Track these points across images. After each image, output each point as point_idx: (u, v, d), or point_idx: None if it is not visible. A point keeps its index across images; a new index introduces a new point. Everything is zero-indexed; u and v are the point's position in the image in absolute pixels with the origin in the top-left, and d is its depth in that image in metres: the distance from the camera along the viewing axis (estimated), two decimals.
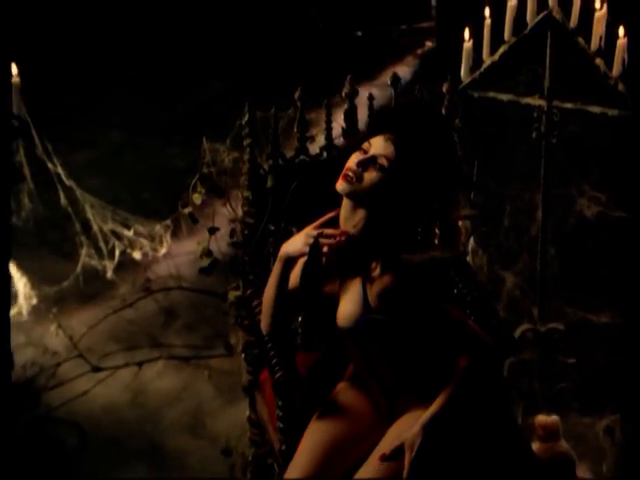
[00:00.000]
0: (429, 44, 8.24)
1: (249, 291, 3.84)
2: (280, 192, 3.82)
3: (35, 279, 5.50)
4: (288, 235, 3.82)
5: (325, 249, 3.29)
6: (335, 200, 3.34)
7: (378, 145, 3.21)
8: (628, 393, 4.68)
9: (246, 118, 3.73)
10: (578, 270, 5.40)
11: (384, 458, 3.31)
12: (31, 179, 5.56)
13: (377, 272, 3.25)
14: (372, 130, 3.30)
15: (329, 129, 3.83)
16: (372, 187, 3.19)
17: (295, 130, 3.81)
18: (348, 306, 3.31)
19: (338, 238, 3.29)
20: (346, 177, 3.19)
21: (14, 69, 4.40)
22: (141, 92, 7.42)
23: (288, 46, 7.74)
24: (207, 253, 3.94)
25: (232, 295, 3.94)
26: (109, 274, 5.54)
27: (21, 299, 5.46)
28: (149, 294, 5.54)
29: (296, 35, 7.93)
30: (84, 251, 5.53)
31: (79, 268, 5.52)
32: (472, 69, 4.65)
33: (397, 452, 3.30)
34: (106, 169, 6.56)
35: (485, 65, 4.64)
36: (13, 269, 5.32)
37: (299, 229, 3.72)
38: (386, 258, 3.23)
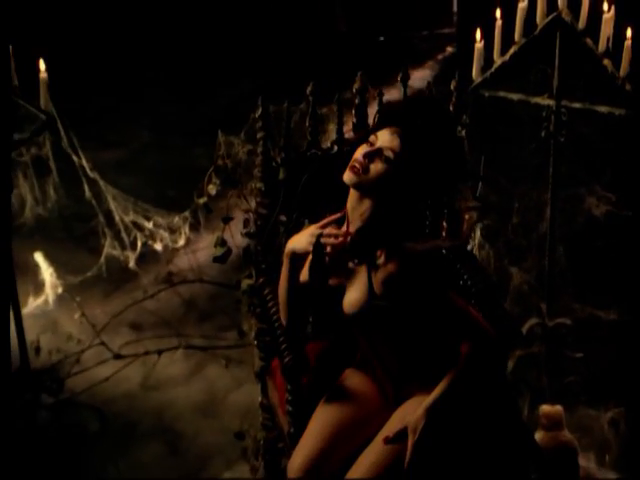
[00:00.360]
0: (450, 49, 8.29)
1: (261, 280, 3.86)
2: (292, 184, 3.84)
3: (60, 269, 5.53)
4: (299, 226, 3.87)
5: (328, 248, 3.35)
6: (345, 192, 3.38)
7: (384, 138, 3.24)
8: (633, 387, 4.70)
9: (259, 112, 3.75)
10: (587, 268, 5.38)
11: (388, 441, 3.36)
12: (57, 172, 5.62)
13: (382, 260, 3.29)
14: (379, 123, 3.33)
15: (340, 124, 3.84)
16: (377, 178, 3.23)
17: (307, 124, 3.83)
18: (354, 294, 3.34)
19: (340, 238, 3.35)
20: (352, 168, 3.23)
21: (42, 65, 4.48)
22: (171, 93, 7.49)
23: (311, 49, 7.78)
24: (221, 242, 3.96)
25: (245, 284, 3.96)
26: (131, 264, 5.58)
27: (47, 288, 5.49)
28: (170, 286, 5.59)
29: (320, 39, 7.97)
30: (107, 242, 5.57)
31: (102, 259, 5.56)
32: (483, 69, 4.66)
33: (400, 435, 3.35)
34: (133, 167, 6.64)
35: (496, 65, 4.64)
36: (40, 259, 5.43)
37: (310, 221, 3.79)
38: (391, 246, 3.28)
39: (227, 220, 3.94)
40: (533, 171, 5.17)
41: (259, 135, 3.79)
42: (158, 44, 7.62)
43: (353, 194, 3.31)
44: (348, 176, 3.25)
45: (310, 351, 3.72)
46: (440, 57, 8.21)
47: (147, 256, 5.69)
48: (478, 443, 3.44)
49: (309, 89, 3.78)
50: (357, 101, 3.84)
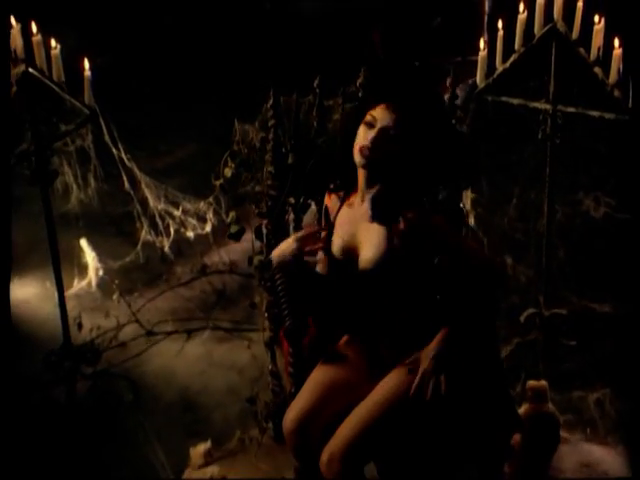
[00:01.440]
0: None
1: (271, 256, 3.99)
2: (300, 169, 3.95)
3: (102, 254, 5.64)
4: (306, 207, 4.04)
5: (307, 256, 3.51)
6: (346, 176, 3.52)
7: (382, 116, 3.32)
8: (618, 372, 4.72)
9: (270, 102, 3.89)
10: (584, 264, 5.37)
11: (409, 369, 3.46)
12: (98, 162, 5.74)
13: (398, 217, 3.38)
14: (373, 100, 3.38)
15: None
16: (387, 156, 3.33)
17: (314, 114, 3.94)
18: (371, 250, 3.42)
19: (320, 244, 3.50)
20: (362, 151, 3.32)
21: (86, 64, 4.57)
22: (219, 107, 7.58)
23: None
24: (236, 221, 4.11)
25: (256, 259, 4.10)
26: (166, 249, 5.67)
27: (90, 272, 5.59)
28: (204, 276, 5.67)
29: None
30: (144, 229, 5.66)
31: (139, 246, 5.66)
32: (487, 75, 4.71)
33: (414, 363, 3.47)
34: (178, 174, 6.74)
35: (498, 72, 4.69)
36: (84, 245, 5.55)
37: (316, 202, 3.95)
38: (404, 206, 3.38)
39: (239, 202, 4.09)
40: (532, 171, 5.21)
41: (270, 123, 3.91)
42: (208, 62, 7.68)
43: (363, 175, 3.39)
44: (359, 158, 3.34)
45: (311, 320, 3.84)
46: (470, 82, 8.20)
47: (183, 249, 5.76)
48: (466, 404, 3.54)
49: (316, 82, 3.90)
50: (360, 94, 3.93)
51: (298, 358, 3.81)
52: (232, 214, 4.08)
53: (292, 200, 3.97)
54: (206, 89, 7.45)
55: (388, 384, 3.51)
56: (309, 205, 3.98)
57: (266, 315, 4.12)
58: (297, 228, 4.00)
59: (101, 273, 5.59)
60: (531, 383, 4.32)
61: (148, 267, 5.71)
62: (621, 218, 5.50)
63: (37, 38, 4.45)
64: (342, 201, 3.55)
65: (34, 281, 5.42)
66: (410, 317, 3.51)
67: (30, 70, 4.49)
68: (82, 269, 5.59)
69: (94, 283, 5.60)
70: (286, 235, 3.89)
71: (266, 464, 4.29)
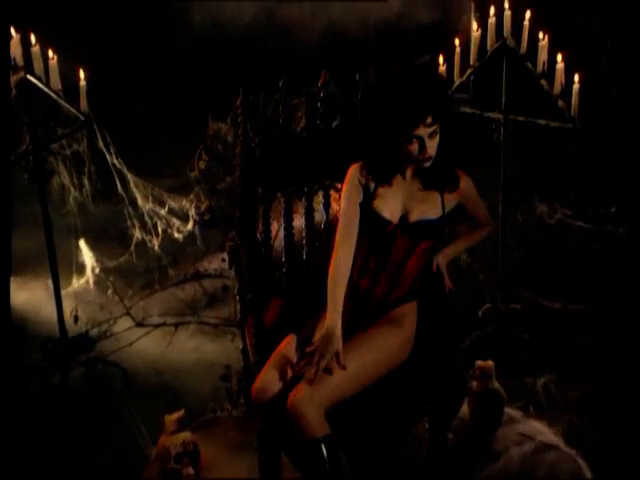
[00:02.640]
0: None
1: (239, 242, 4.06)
2: (267, 162, 4.07)
3: (99, 254, 5.75)
4: (273, 197, 4.18)
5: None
6: (311, 169, 3.81)
7: (434, 129, 3.55)
8: (563, 360, 4.85)
9: (240, 100, 4.00)
10: (538, 265, 5.53)
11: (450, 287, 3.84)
12: (93, 166, 5.84)
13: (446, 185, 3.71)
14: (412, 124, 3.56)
15: (309, 113, 4.06)
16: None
17: (280, 112, 4.05)
18: (423, 207, 3.69)
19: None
20: (428, 159, 3.58)
21: (82, 74, 4.69)
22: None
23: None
24: (208, 210, 4.24)
25: (228, 245, 4.23)
26: (156, 248, 5.75)
27: (88, 270, 5.70)
28: (195, 279, 5.74)
29: None
30: (136, 229, 5.76)
31: (132, 246, 5.75)
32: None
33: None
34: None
35: (455, 85, 4.78)
36: (82, 245, 5.67)
37: (282, 194, 4.10)
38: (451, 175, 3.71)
39: (214, 191, 4.22)
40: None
41: (240, 120, 4.01)
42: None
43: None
44: (426, 164, 3.60)
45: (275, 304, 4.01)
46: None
47: (177, 254, 5.85)
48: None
49: (281, 83, 4.01)
50: (322, 94, 4.06)
51: (259, 328, 3.89)
52: (205, 203, 4.20)
53: (260, 190, 4.07)
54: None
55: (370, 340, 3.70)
56: (275, 196, 4.09)
57: (237, 298, 4.16)
58: (265, 217, 4.12)
59: (97, 272, 5.69)
60: (479, 363, 4.44)
61: (142, 268, 5.79)
62: (573, 225, 5.61)
63: (36, 48, 4.58)
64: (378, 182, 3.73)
65: (36, 279, 5.51)
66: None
67: (29, 77, 4.61)
68: (80, 268, 5.70)
69: (91, 281, 5.69)
70: (255, 223, 4.06)
71: (236, 434, 4.40)
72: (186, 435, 4.22)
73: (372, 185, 3.72)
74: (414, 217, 3.69)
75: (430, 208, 3.70)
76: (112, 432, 4.55)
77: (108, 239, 5.98)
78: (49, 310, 5.20)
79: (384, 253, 3.72)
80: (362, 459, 3.90)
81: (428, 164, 3.60)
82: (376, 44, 7.77)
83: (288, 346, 3.75)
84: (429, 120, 3.52)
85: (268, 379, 3.67)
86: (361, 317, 3.79)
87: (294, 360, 3.68)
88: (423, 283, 3.83)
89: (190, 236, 5.72)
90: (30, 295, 5.56)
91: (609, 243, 5.64)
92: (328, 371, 3.55)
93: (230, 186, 4.12)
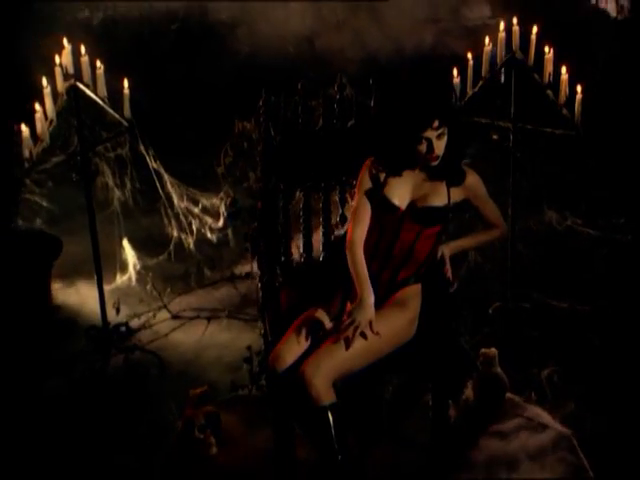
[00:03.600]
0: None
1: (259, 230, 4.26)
2: (287, 159, 4.25)
3: (140, 251, 5.93)
4: (293, 192, 4.35)
5: None
6: (328, 165, 4.01)
7: (442, 131, 3.75)
8: (566, 353, 4.95)
9: (262, 100, 4.19)
10: (546, 267, 5.61)
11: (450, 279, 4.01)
12: (133, 168, 6.03)
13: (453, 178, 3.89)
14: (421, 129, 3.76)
15: (326, 114, 4.24)
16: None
17: (299, 112, 4.21)
18: (430, 195, 3.88)
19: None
20: (435, 158, 3.78)
21: (126, 83, 4.91)
22: None
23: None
24: (233, 203, 4.43)
25: (250, 235, 4.42)
26: (191, 246, 5.92)
27: (130, 268, 5.88)
28: (230, 280, 5.91)
29: None
30: (174, 229, 5.93)
31: (172, 246, 5.93)
32: (460, 99, 4.91)
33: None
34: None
35: (468, 95, 4.90)
36: (125, 244, 5.86)
37: (301, 189, 4.28)
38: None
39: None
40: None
41: (262, 119, 4.21)
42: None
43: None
44: (434, 162, 3.80)
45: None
46: None
47: (214, 258, 6.02)
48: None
49: (300, 85, 4.19)
50: (338, 96, 4.23)
51: (275, 313, 4.10)
52: (231, 197, 4.39)
53: (281, 185, 4.24)
54: None
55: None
56: (294, 190, 4.26)
57: (259, 286, 4.30)
58: (285, 210, 4.29)
59: (139, 269, 5.86)
60: (483, 350, 4.57)
61: (180, 268, 5.96)
62: (583, 232, 5.71)
63: (84, 58, 4.83)
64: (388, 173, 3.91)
65: (89, 278, 5.59)
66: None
67: (78, 84, 4.85)
68: (123, 266, 5.88)
69: (133, 278, 5.86)
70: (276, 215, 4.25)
71: (255, 411, 4.56)
72: (209, 408, 4.39)
73: (382, 176, 3.90)
74: (421, 204, 3.87)
75: (436, 196, 3.88)
76: (147, 410, 4.73)
77: (148, 238, 6.14)
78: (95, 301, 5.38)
79: (393, 237, 3.90)
80: (367, 431, 4.08)
81: (435, 163, 3.79)
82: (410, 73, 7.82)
83: (304, 321, 3.91)
84: (436, 124, 3.71)
85: (284, 349, 3.85)
86: (380, 292, 3.94)
87: (309, 333, 3.86)
88: (428, 267, 3.98)
89: (225, 240, 5.87)
90: (81, 292, 5.78)
91: (616, 249, 5.71)
92: (347, 341, 3.74)
93: (253, 180, 4.24)
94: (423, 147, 3.76)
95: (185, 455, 4.32)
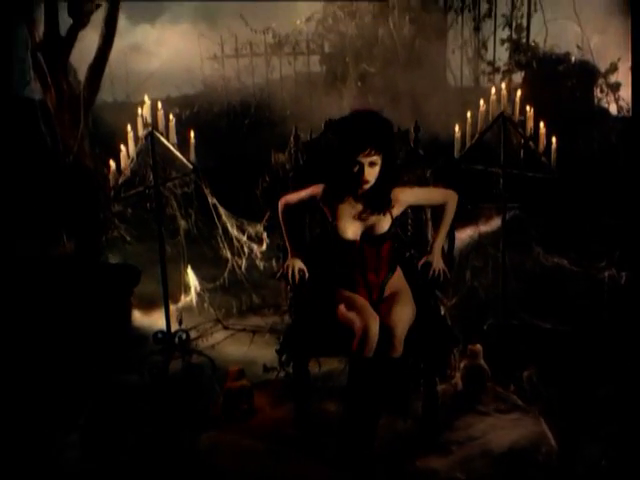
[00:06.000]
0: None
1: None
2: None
3: (200, 276, 6.42)
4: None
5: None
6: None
7: (375, 159, 4.23)
8: (544, 358, 5.28)
9: (293, 134, 4.82)
10: (534, 293, 5.99)
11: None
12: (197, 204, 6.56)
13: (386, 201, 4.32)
14: (363, 149, 4.21)
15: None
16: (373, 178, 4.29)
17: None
18: (375, 224, 4.33)
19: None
20: (367, 183, 4.25)
21: (192, 134, 5.41)
22: None
23: None
24: (269, 218, 5.00)
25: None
26: (242, 269, 6.38)
27: (192, 290, 6.38)
28: (275, 309, 6.30)
29: None
30: (229, 256, 6.40)
31: (226, 273, 6.41)
32: (460, 149, 5.33)
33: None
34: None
35: (467, 147, 5.30)
36: (189, 270, 6.37)
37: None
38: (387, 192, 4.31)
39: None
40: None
41: (293, 150, 4.84)
42: None
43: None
44: (366, 187, 4.27)
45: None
46: None
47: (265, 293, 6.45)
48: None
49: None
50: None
51: (296, 295, 4.59)
52: (268, 214, 4.96)
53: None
54: None
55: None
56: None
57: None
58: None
59: (199, 290, 6.36)
60: (470, 346, 5.02)
61: (232, 291, 6.45)
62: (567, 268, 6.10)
63: (160, 112, 5.42)
64: (336, 201, 4.39)
65: (157, 301, 6.07)
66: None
67: (154, 132, 5.45)
68: (187, 288, 6.42)
69: (194, 299, 6.37)
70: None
71: (281, 389, 5.05)
72: (243, 382, 4.91)
73: (329, 211, 4.36)
74: (371, 232, 4.33)
75: (382, 223, 4.33)
76: (200, 398, 5.12)
77: (208, 262, 6.60)
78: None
79: (361, 258, 4.38)
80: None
81: (366, 186, 4.21)
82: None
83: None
84: (368, 151, 4.16)
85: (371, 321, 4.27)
86: (374, 295, 4.46)
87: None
88: (397, 260, 4.49)
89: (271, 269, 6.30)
90: (153, 315, 6.26)
91: (595, 283, 6.06)
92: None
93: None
94: (356, 169, 4.17)
95: (226, 418, 4.81)
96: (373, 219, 4.30)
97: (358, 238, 4.31)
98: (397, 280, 4.46)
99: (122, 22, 11.12)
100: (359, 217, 4.31)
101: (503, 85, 5.27)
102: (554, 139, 5.17)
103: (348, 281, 4.40)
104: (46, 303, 5.63)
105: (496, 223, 6.21)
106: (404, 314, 4.25)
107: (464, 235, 6.61)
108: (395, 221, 4.33)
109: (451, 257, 4.58)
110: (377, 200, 4.27)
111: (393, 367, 4.22)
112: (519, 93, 5.24)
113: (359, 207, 4.31)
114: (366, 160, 4.16)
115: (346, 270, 4.37)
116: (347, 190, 4.29)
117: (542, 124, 5.16)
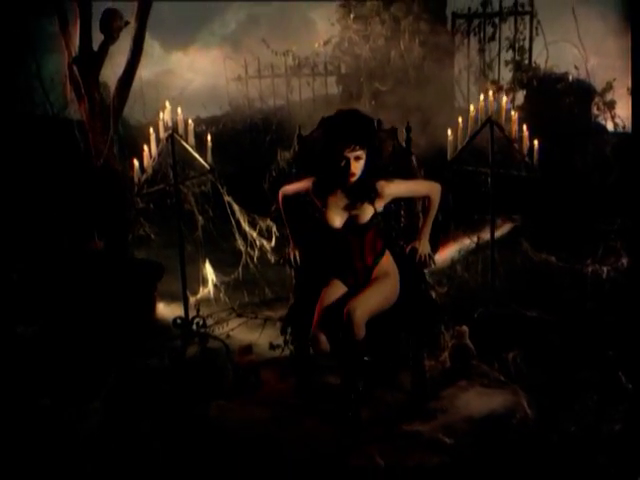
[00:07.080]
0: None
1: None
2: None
3: (217, 269, 6.65)
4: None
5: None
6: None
7: (360, 153, 4.42)
8: (528, 341, 5.48)
9: (297, 134, 5.08)
10: (522, 284, 6.17)
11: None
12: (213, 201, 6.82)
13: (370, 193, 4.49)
14: (349, 145, 4.40)
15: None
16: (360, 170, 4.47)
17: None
18: (360, 213, 4.48)
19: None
20: (354, 176, 4.44)
21: (209, 137, 5.71)
22: None
23: None
24: (275, 209, 5.31)
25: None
26: (254, 260, 6.60)
27: (209, 283, 6.61)
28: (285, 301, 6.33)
29: None
30: (243, 250, 6.64)
31: (240, 268, 6.64)
32: (453, 152, 5.56)
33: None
34: None
35: (459, 149, 5.53)
36: (207, 264, 6.60)
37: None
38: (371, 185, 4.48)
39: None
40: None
41: (297, 148, 5.11)
42: None
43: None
44: (353, 180, 4.44)
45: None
46: None
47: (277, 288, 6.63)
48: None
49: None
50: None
51: (299, 280, 4.87)
52: (274, 206, 5.26)
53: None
54: None
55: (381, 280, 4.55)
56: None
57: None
58: None
59: (216, 282, 6.61)
60: (457, 327, 5.26)
61: (246, 286, 6.67)
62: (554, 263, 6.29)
63: (180, 116, 5.74)
64: (327, 193, 4.60)
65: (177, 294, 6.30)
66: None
67: (174, 134, 5.75)
68: (204, 281, 6.67)
69: (211, 291, 6.61)
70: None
71: (285, 366, 5.31)
72: (252, 357, 5.20)
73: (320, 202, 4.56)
74: (355, 221, 4.51)
75: (365, 213, 4.49)
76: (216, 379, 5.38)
77: (224, 256, 6.85)
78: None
79: (347, 244, 4.58)
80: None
81: (353, 179, 4.39)
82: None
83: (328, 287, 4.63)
84: (353, 146, 4.36)
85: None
86: (360, 279, 4.66)
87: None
88: (385, 244, 4.67)
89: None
90: (173, 307, 6.48)
91: (580, 277, 6.24)
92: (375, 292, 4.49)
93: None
94: (343, 163, 4.36)
95: (235, 390, 5.09)
96: (357, 210, 4.48)
97: (341, 225, 4.52)
98: (384, 264, 4.64)
99: (157, 50, 11.73)
100: (346, 208, 4.49)
101: (490, 92, 5.52)
102: (536, 142, 5.38)
103: (337, 266, 4.61)
104: (81, 293, 5.98)
105: (499, 232, 6.43)
106: (369, 300, 4.42)
107: (467, 241, 6.81)
108: (377, 212, 4.49)
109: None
110: (363, 190, 4.45)
111: (352, 348, 4.40)
112: (505, 98, 5.49)
113: (347, 199, 4.50)
114: (352, 155, 4.36)
115: (335, 256, 4.59)
116: (336, 183, 4.49)
117: (525, 127, 5.40)
